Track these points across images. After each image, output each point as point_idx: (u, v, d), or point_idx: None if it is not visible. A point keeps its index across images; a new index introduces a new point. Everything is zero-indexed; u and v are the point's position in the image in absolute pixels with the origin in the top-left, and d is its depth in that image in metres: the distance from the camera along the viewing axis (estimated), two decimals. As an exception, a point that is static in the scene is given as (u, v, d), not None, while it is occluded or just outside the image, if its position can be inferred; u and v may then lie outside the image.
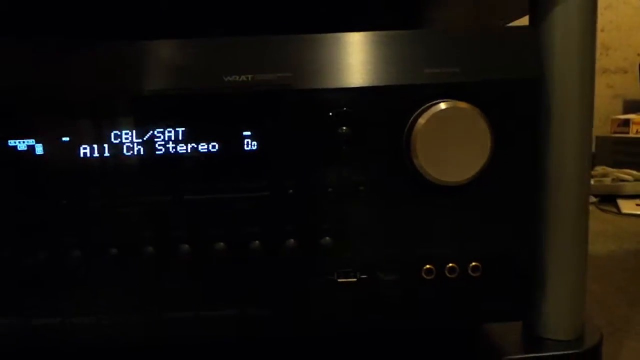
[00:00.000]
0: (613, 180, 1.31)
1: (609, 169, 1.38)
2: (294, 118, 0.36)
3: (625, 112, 1.60)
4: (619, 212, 1.19)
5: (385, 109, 0.36)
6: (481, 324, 0.43)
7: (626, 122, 1.47)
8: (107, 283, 0.37)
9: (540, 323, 0.40)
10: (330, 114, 0.35)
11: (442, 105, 0.34)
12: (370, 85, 0.35)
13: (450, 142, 0.34)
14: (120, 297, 0.37)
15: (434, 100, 0.35)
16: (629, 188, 1.28)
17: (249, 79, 0.35)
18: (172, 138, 0.36)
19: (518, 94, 0.35)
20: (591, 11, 0.35)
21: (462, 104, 0.33)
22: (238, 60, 0.35)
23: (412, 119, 0.35)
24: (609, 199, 1.27)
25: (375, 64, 0.36)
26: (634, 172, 1.30)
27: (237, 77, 0.34)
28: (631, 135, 1.43)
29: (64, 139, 0.36)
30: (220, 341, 0.38)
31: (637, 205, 1.21)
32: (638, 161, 1.34)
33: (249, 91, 0.35)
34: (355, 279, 0.37)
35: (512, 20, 0.57)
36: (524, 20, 0.42)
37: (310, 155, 0.36)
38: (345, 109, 0.35)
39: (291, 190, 0.36)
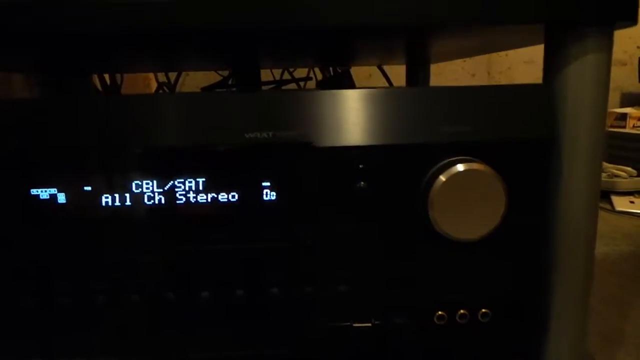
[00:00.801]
0: (608, 176, 1.33)
1: (605, 164, 1.40)
2: (313, 172, 0.36)
3: (623, 105, 1.60)
4: (613, 210, 1.21)
5: (401, 165, 0.36)
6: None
7: (623, 116, 1.48)
8: (130, 326, 0.38)
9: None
10: (348, 169, 0.36)
11: (460, 167, 0.35)
12: (388, 143, 0.36)
13: (467, 201, 0.35)
14: (142, 340, 0.38)
15: (448, 158, 0.36)
16: (624, 185, 1.30)
17: (270, 135, 0.35)
18: (193, 188, 0.37)
19: (530, 153, 0.36)
20: (605, 71, 0.36)
21: (480, 166, 0.34)
22: (259, 116, 0.35)
23: (428, 176, 0.36)
24: (603, 195, 1.30)
25: (392, 121, 0.36)
26: (629, 169, 1.32)
27: (259, 134, 0.35)
28: (627, 130, 1.44)
29: (86, 188, 0.37)
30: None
31: (631, 202, 1.23)
32: (634, 156, 1.35)
33: (269, 147, 0.36)
34: (369, 324, 0.38)
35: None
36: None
37: (328, 207, 0.37)
38: (362, 165, 0.36)
39: (309, 241, 0.37)
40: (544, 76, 0.38)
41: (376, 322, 0.38)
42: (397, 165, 0.36)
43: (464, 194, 0.35)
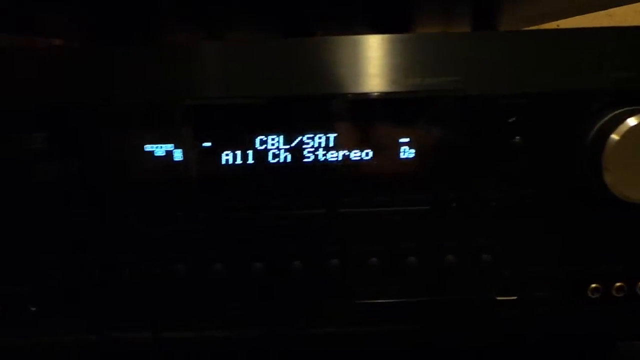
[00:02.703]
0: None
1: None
2: (459, 125, 0.32)
3: None
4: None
5: (561, 116, 0.32)
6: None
7: None
8: (251, 298, 0.35)
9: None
10: (502, 122, 0.32)
11: (633, 121, 0.30)
12: (548, 90, 0.32)
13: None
14: (264, 313, 0.35)
15: (615, 109, 0.32)
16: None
17: (419, 82, 0.31)
18: (322, 144, 0.33)
19: None
20: None
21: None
22: (406, 62, 0.31)
23: (595, 131, 0.32)
24: None
25: (553, 66, 0.32)
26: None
27: (408, 81, 0.31)
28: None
29: (204, 144, 0.33)
30: (370, 353, 0.37)
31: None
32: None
33: (414, 96, 0.32)
34: (515, 297, 0.35)
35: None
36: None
37: (475, 166, 0.33)
38: (517, 116, 0.32)
39: (454, 204, 0.33)
40: None
41: (523, 295, 0.35)
42: (557, 117, 0.32)
43: (638, 152, 0.31)
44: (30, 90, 0.31)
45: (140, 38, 0.67)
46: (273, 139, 0.33)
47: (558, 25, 0.76)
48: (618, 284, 0.34)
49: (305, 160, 0.33)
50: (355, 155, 0.33)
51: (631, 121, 0.30)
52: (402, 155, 0.33)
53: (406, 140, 0.33)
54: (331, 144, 0.33)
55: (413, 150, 0.33)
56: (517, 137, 0.32)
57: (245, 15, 0.54)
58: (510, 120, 0.32)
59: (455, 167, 0.33)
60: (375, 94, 0.32)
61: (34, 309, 0.35)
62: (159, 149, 0.33)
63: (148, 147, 0.33)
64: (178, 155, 0.33)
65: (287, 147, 0.33)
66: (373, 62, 0.32)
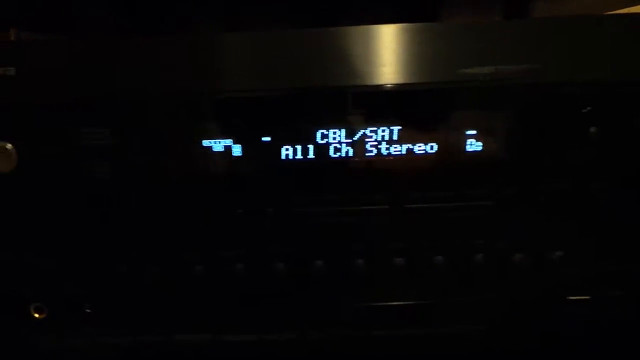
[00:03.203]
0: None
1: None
2: (531, 116, 0.31)
3: None
4: None
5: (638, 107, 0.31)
6: None
7: None
8: (311, 298, 0.34)
9: None
10: (576, 111, 0.31)
11: None
12: (626, 79, 0.30)
13: None
14: (323, 314, 0.34)
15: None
16: None
17: (491, 71, 0.30)
18: (386, 138, 0.32)
19: None
20: None
21: None
22: (476, 49, 0.30)
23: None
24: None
25: (631, 54, 0.30)
26: None
27: (478, 69, 0.29)
28: None
29: (264, 139, 0.32)
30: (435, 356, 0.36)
31: None
32: None
33: (486, 85, 0.30)
34: (588, 297, 0.33)
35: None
36: None
37: (545, 158, 0.32)
38: (593, 106, 0.30)
39: (518, 198, 0.32)
40: None
41: (595, 294, 0.33)
42: (633, 108, 0.31)
43: None
44: (90, 83, 0.30)
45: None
46: (335, 133, 0.32)
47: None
48: (697, 281, 0.33)
49: (368, 154, 0.32)
50: (419, 149, 0.32)
51: None
52: (468, 148, 0.32)
53: (473, 132, 0.32)
54: (395, 137, 0.32)
55: (480, 143, 0.32)
56: (592, 128, 0.31)
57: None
58: (585, 110, 0.30)
59: (525, 160, 0.31)
60: (441, 83, 0.31)
61: (89, 310, 0.34)
62: (218, 144, 0.32)
63: (206, 142, 0.32)
64: (237, 150, 0.32)
65: (349, 140, 0.32)
66: (437, 50, 0.30)
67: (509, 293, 0.33)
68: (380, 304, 0.34)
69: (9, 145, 0.31)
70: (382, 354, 0.35)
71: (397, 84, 0.31)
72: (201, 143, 0.32)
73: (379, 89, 0.31)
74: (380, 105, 0.31)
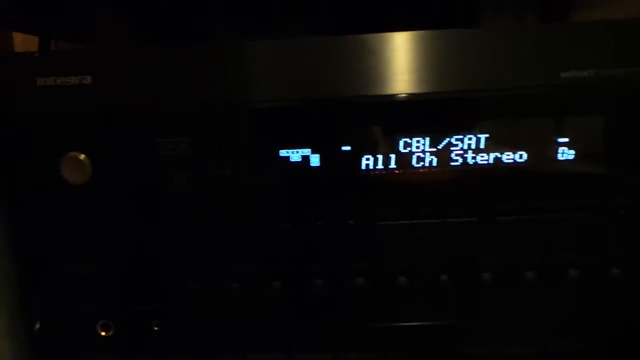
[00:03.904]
0: None
1: None
2: (631, 121, 0.29)
3: None
4: None
5: None
6: None
7: None
8: (393, 314, 0.32)
9: None
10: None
11: None
12: None
13: None
14: (405, 332, 0.32)
15: None
16: None
17: (592, 74, 0.28)
18: (472, 146, 0.31)
19: None
20: None
21: None
22: (577, 53, 0.28)
23: None
24: None
25: None
26: None
27: (578, 73, 0.28)
28: None
29: (343, 148, 0.31)
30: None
31: None
32: None
33: (583, 89, 0.29)
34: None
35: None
36: None
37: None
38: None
39: (623, 209, 0.30)
40: None
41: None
42: None
43: None
44: (172, 92, 0.29)
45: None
46: (418, 142, 0.31)
47: None
48: None
49: (453, 163, 0.31)
50: (507, 157, 0.31)
51: None
52: (559, 157, 0.30)
53: (564, 140, 0.30)
54: (482, 146, 0.30)
55: (572, 151, 0.30)
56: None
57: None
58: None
59: (627, 167, 0.30)
60: (531, 88, 0.29)
61: (157, 328, 0.33)
62: (295, 154, 0.31)
63: (283, 152, 0.31)
64: (315, 160, 0.31)
65: (433, 149, 0.31)
66: (525, 54, 0.29)
67: (601, 308, 0.31)
68: (465, 319, 0.32)
69: (82, 156, 0.30)
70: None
71: (481, 90, 0.29)
72: (279, 153, 0.31)
73: (467, 96, 0.29)
74: (466, 112, 0.30)
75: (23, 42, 0.58)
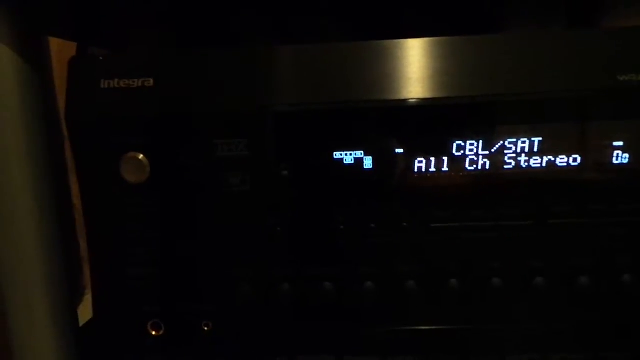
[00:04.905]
0: None
1: None
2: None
3: None
4: None
5: None
6: None
7: None
8: (443, 317, 0.32)
9: None
10: None
11: None
12: None
13: None
14: (456, 336, 0.32)
15: None
16: None
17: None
18: (526, 150, 0.31)
19: None
20: None
21: None
22: (635, 55, 0.28)
23: None
24: None
25: None
26: None
27: (635, 77, 0.28)
28: None
29: (397, 150, 0.31)
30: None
31: None
32: None
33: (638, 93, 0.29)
34: None
35: None
36: None
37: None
38: None
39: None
40: None
41: None
42: None
43: None
44: (231, 94, 0.30)
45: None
46: (471, 144, 0.31)
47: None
48: None
49: (507, 167, 0.31)
50: (561, 161, 0.31)
51: None
52: (615, 161, 0.30)
53: (620, 143, 0.30)
54: (535, 149, 0.31)
55: (627, 155, 0.30)
56: None
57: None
58: None
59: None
60: (584, 91, 0.30)
61: (206, 328, 0.33)
62: (348, 157, 0.31)
63: (337, 155, 0.31)
64: (368, 162, 0.31)
65: (486, 152, 0.31)
66: (574, 56, 0.29)
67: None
68: (514, 326, 0.32)
69: (141, 156, 0.31)
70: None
71: (534, 92, 0.30)
72: (333, 155, 0.31)
73: (520, 99, 0.30)
74: (520, 115, 0.30)
75: (59, 48, 0.60)
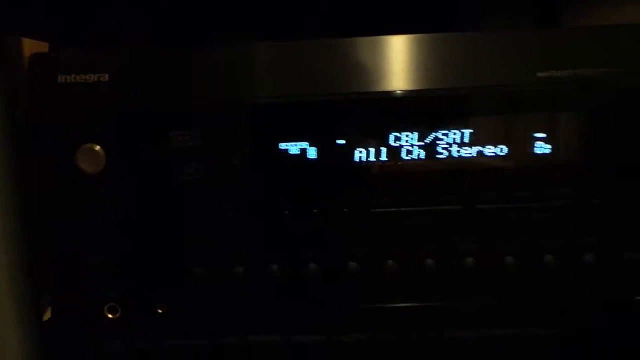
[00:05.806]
0: None
1: None
2: (610, 117, 0.32)
3: None
4: None
5: None
6: None
7: None
8: (385, 298, 0.34)
9: None
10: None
11: None
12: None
13: None
14: (393, 315, 0.34)
15: None
16: None
17: (571, 74, 0.31)
18: (458, 141, 0.33)
19: None
20: None
21: None
22: (555, 54, 0.31)
23: None
24: None
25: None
26: None
27: (555, 73, 0.31)
28: None
29: (338, 142, 0.34)
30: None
31: None
32: None
33: (561, 88, 0.31)
34: (660, 298, 0.33)
35: None
36: None
37: (621, 160, 0.32)
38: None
39: (596, 200, 0.32)
40: None
41: (668, 296, 0.33)
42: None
43: None
44: (184, 90, 0.32)
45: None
46: (407, 136, 0.33)
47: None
48: None
49: (439, 156, 0.33)
50: (489, 151, 0.33)
51: None
52: (536, 151, 0.33)
53: (542, 135, 0.33)
54: (466, 140, 0.33)
55: (549, 146, 0.33)
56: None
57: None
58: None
59: (600, 161, 0.32)
60: (516, 87, 0.32)
61: (161, 311, 0.35)
62: (294, 147, 0.34)
63: (283, 146, 0.33)
64: (312, 153, 0.34)
65: (421, 144, 0.33)
66: (515, 55, 0.32)
67: (580, 294, 0.33)
68: (447, 304, 0.34)
69: (97, 147, 0.33)
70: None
71: (467, 88, 0.32)
72: (279, 146, 0.33)
73: (454, 94, 0.32)
74: (452, 109, 0.33)
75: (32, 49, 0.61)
